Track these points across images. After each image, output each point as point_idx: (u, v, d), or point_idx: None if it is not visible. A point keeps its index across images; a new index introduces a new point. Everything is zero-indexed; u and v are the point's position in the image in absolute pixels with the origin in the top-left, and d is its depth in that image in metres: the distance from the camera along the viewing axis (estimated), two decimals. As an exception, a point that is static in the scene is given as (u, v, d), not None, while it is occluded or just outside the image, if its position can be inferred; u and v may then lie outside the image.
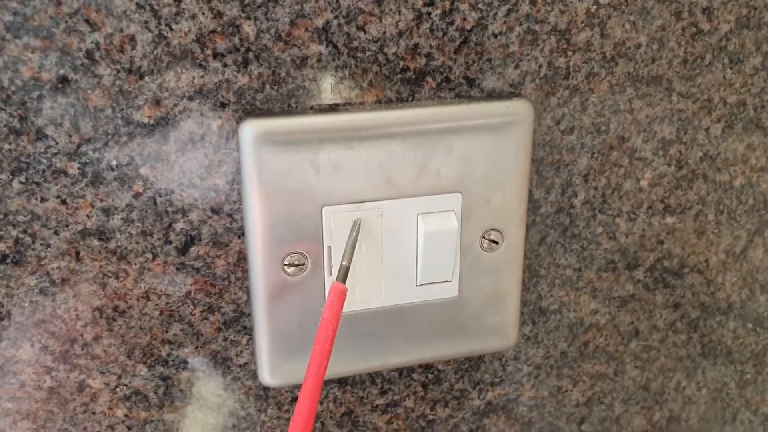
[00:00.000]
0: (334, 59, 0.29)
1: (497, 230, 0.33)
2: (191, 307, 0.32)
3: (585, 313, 0.37)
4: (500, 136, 0.31)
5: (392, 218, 0.31)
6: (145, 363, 0.32)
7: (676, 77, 0.34)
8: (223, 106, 0.29)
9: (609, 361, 0.39)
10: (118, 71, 0.27)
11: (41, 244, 0.29)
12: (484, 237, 0.33)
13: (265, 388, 0.34)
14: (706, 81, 0.34)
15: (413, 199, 0.31)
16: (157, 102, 0.28)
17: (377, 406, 0.36)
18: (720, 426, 0.43)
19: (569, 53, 0.32)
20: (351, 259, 0.30)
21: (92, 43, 0.27)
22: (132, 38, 0.27)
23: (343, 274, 0.30)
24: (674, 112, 0.34)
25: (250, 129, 0.29)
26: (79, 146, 0.28)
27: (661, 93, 0.34)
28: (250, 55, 0.28)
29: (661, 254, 0.37)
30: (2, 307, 0.30)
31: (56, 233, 0.29)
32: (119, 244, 0.30)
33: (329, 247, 0.31)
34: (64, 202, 0.29)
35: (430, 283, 0.33)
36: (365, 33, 0.29)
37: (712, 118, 0.35)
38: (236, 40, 0.28)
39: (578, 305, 0.37)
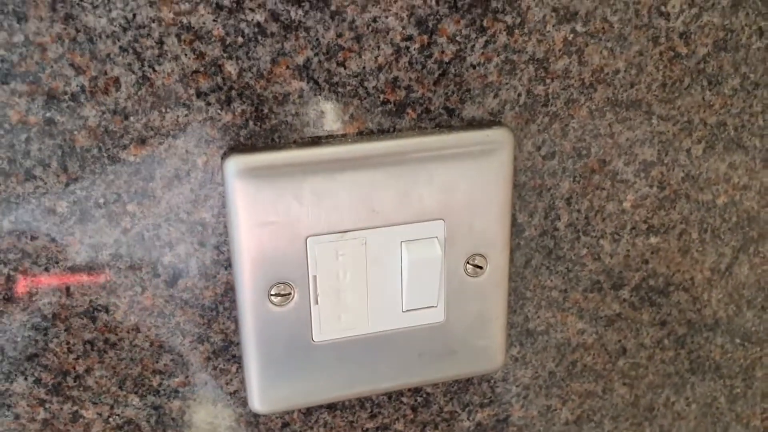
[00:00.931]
0: (315, 94, 0.30)
1: (481, 255, 0.33)
2: (180, 337, 0.32)
3: (572, 333, 0.38)
4: (481, 163, 0.32)
5: (376, 246, 0.32)
6: (136, 393, 0.33)
7: (656, 100, 0.34)
8: (207, 143, 0.29)
9: (597, 380, 0.39)
10: (104, 112, 0.28)
11: (32, 281, 0.30)
12: (468, 262, 0.33)
13: (256, 415, 0.35)
14: (686, 103, 0.35)
15: (397, 228, 0.32)
16: (143, 141, 0.29)
17: (367, 429, 0.36)
18: (711, 440, 0.43)
19: (548, 81, 0.32)
20: None
21: (77, 86, 0.27)
22: (116, 80, 0.28)
23: None
24: (655, 135, 0.35)
25: (235, 164, 0.29)
26: (67, 185, 0.29)
27: (641, 116, 0.34)
28: (233, 93, 0.29)
29: (646, 273, 0.37)
30: (-4, 342, 0.30)
31: (46, 270, 0.30)
32: (108, 278, 0.30)
33: (314, 277, 0.31)
34: (53, 240, 0.29)
35: (415, 309, 0.33)
36: (345, 68, 0.30)
37: (692, 139, 0.35)
38: (219, 79, 0.28)
39: (565, 325, 0.37)
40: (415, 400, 0.37)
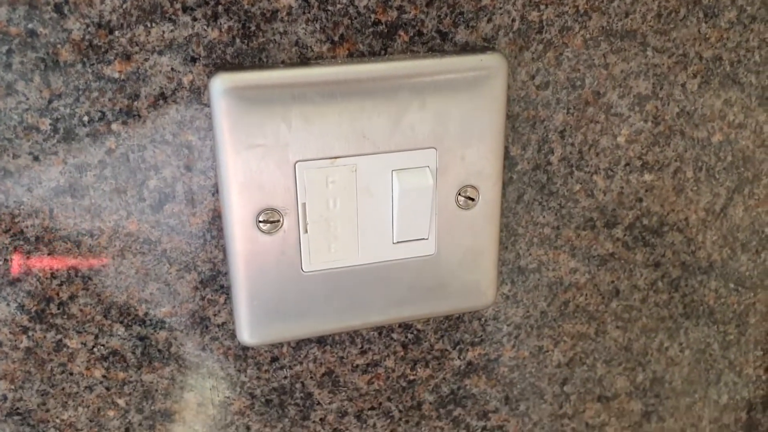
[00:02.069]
0: (304, 12, 0.29)
1: (473, 187, 0.33)
2: (167, 265, 0.32)
3: (564, 272, 0.37)
4: (474, 90, 0.31)
5: (367, 174, 0.31)
6: (122, 323, 0.32)
7: (651, 31, 0.33)
8: (193, 60, 0.29)
9: (590, 321, 0.39)
10: (88, 25, 0.27)
11: (14, 202, 0.29)
12: (459, 194, 0.33)
13: (244, 348, 0.34)
14: (681, 35, 0.34)
15: (388, 155, 0.31)
16: (128, 57, 0.28)
17: (357, 366, 0.36)
18: (704, 387, 0.43)
19: (542, 7, 0.32)
20: None
21: (59, -4, 0.27)
22: (99, -9, 0.27)
23: None
24: (650, 67, 0.34)
25: (221, 83, 0.29)
26: (50, 102, 0.28)
27: (635, 48, 0.34)
28: (220, 8, 0.28)
29: (640, 212, 0.37)
30: (-23, 266, 0.30)
31: (29, 190, 0.29)
32: (93, 201, 0.30)
33: (303, 204, 0.31)
34: (36, 158, 0.29)
35: (406, 241, 0.33)
36: (335, -14, 0.29)
37: (688, 74, 0.35)
38: (205, -8, 0.28)
39: (557, 264, 0.37)
40: (406, 337, 0.36)
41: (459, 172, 0.32)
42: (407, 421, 0.38)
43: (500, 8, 0.31)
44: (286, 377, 0.35)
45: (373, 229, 0.32)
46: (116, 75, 0.28)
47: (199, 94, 0.29)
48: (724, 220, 0.39)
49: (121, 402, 0.34)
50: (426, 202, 0.32)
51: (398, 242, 0.33)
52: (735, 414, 0.45)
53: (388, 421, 0.38)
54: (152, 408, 0.34)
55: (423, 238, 0.33)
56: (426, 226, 0.33)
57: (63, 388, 0.33)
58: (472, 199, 0.33)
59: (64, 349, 0.32)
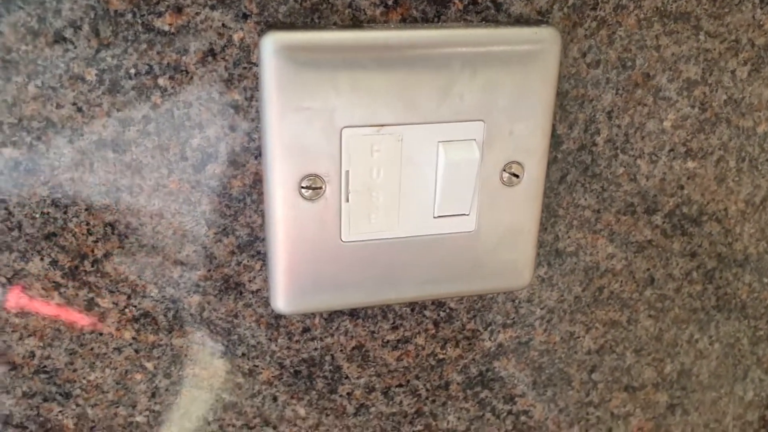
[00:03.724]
0: (360, -26, 0.28)
1: (518, 163, 0.32)
2: (205, 228, 0.31)
3: (601, 257, 0.37)
4: (526, 64, 0.31)
5: (412, 144, 0.31)
6: (155, 284, 0.31)
7: (705, 15, 0.33)
8: (245, 17, 0.28)
9: (623, 309, 0.38)
10: (140, -26, 0.27)
11: (55, 153, 0.28)
12: (504, 170, 0.32)
13: (277, 317, 0.34)
14: (735, 20, 0.33)
15: (435, 126, 0.31)
16: (179, 9, 0.27)
17: (388, 341, 0.36)
18: (730, 382, 0.43)
19: (599, -18, 0.31)
20: None
21: (115, -58, 0.26)
22: (155, -61, 0.26)
23: None
24: (701, 52, 0.34)
25: (272, 42, 0.28)
26: (97, 51, 0.27)
27: (688, 31, 0.33)
28: (275, -36, 0.28)
29: (680, 200, 0.36)
30: (13, 217, 0.29)
31: (71, 142, 0.28)
32: (134, 157, 0.29)
33: (347, 172, 0.30)
34: (80, 109, 0.28)
35: (447, 216, 0.32)
36: (393, -52, 0.28)
37: (738, 60, 0.34)
38: (262, -53, 0.27)
39: (595, 248, 0.36)
40: (438, 315, 0.36)
41: (505, 148, 0.32)
42: (434, 401, 0.38)
43: (557, -19, 0.30)
44: (316, 349, 0.35)
45: (415, 201, 0.32)
46: (166, 27, 0.28)
47: (248, 53, 0.29)
48: (763, 213, 0.38)
49: (149, 365, 0.33)
50: (471, 177, 0.31)
51: (439, 216, 0.32)
52: (759, 411, 0.44)
53: (415, 399, 0.37)
54: (180, 373, 0.34)
55: (464, 214, 0.32)
56: (468, 202, 0.32)
57: (92, 349, 0.32)
58: (517, 176, 0.32)
59: (95, 308, 0.31)
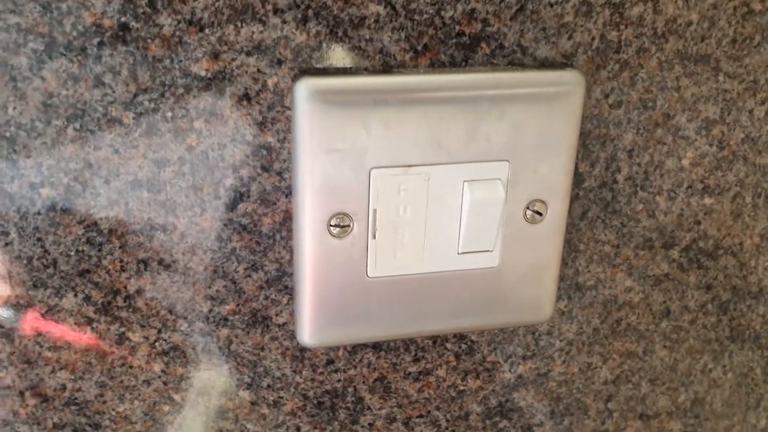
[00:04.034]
0: (391, 20, 0.29)
1: (542, 201, 0.33)
2: (236, 263, 0.32)
3: (620, 291, 0.37)
4: (551, 105, 0.31)
5: (439, 183, 0.31)
6: (185, 318, 0.32)
7: (724, 57, 0.34)
8: (279, 63, 0.29)
9: (639, 340, 0.39)
10: (179, 22, 0.27)
11: (91, 193, 0.29)
12: (528, 207, 0.33)
13: (302, 350, 0.34)
14: (754, 62, 0.34)
15: (461, 165, 0.31)
16: (216, 55, 0.28)
17: (410, 373, 0.36)
18: (743, 411, 0.43)
19: (622, 27, 0.32)
20: None
21: (155, -9, 0.27)
22: (195, -12, 0.27)
23: None
24: (720, 92, 0.34)
25: (305, 87, 0.29)
26: (135, 96, 0.28)
27: (708, 72, 0.34)
28: (310, 12, 0.28)
29: (697, 235, 0.37)
30: (48, 254, 0.30)
31: (107, 182, 0.29)
32: (168, 196, 0.30)
33: (374, 210, 0.31)
34: (116, 151, 0.29)
35: (471, 252, 0.33)
36: (424, -5, 0.29)
37: (756, 100, 0.35)
38: (297, -5, 0.28)
39: (614, 282, 0.37)
40: (459, 347, 0.36)
41: (530, 186, 0.32)
42: (453, 431, 0.38)
43: (581, 26, 0.31)
44: (339, 380, 0.35)
45: (440, 238, 0.32)
46: (203, 73, 0.28)
47: (282, 97, 0.29)
48: (778, 246, 0.39)
49: (176, 397, 0.34)
50: (495, 215, 0.32)
51: (463, 252, 0.33)
52: (770, 439, 0.45)
53: (435, 429, 0.38)
54: (207, 404, 0.34)
55: (488, 250, 0.33)
56: (493, 239, 0.33)
57: (121, 381, 0.33)
58: (540, 214, 0.33)
59: (126, 342, 0.32)
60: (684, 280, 0.38)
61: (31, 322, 0.30)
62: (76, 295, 0.31)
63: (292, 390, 0.35)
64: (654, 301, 0.38)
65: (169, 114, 0.28)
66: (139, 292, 0.31)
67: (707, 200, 0.37)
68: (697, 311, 0.39)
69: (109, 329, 0.31)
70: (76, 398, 0.32)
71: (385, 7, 0.29)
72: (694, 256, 0.38)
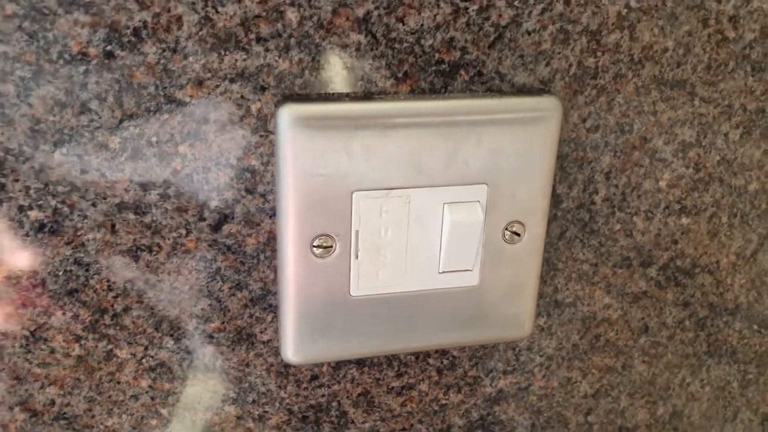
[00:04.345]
0: (372, 49, 0.30)
1: (520, 223, 0.34)
2: (220, 283, 0.32)
3: (598, 308, 0.38)
4: (529, 130, 0.32)
5: (419, 206, 0.32)
6: (172, 336, 0.33)
7: (700, 82, 0.34)
8: (263, 89, 0.29)
9: (618, 355, 0.40)
10: (164, 50, 0.28)
11: (78, 215, 0.30)
12: (506, 229, 0.34)
13: (286, 366, 0.35)
14: (728, 87, 0.35)
15: (441, 189, 0.32)
16: (200, 82, 0.29)
17: (393, 388, 0.37)
18: (720, 424, 0.44)
19: (599, 54, 0.32)
20: None
21: (140, 21, 0.27)
22: (179, 18, 0.28)
23: None
24: (695, 116, 0.35)
25: (288, 113, 0.29)
26: (121, 121, 0.29)
27: (684, 97, 0.34)
28: (292, 41, 0.29)
29: (674, 253, 0.38)
30: (37, 274, 0.30)
31: (94, 205, 0.30)
32: (154, 218, 0.30)
33: (357, 231, 0.32)
34: (103, 175, 0.29)
35: (451, 271, 0.34)
36: (404, 24, 0.30)
37: (731, 124, 0.36)
38: (279, 25, 0.29)
39: (592, 299, 0.38)
40: (441, 363, 0.37)
41: (508, 208, 0.33)
42: (435, 443, 0.39)
43: (559, 53, 0.32)
44: (323, 395, 0.36)
45: (421, 257, 0.33)
46: (187, 99, 0.29)
47: (265, 122, 0.30)
48: (754, 264, 0.40)
49: (164, 412, 0.34)
50: (474, 236, 0.33)
51: (444, 272, 0.34)
52: (748, 450, 0.46)
53: (417, 441, 0.39)
54: (193, 419, 0.35)
55: (468, 270, 0.34)
56: (472, 259, 0.33)
57: (110, 396, 0.33)
58: (518, 235, 0.34)
59: (114, 359, 0.33)
60: (662, 297, 0.39)
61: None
62: (64, 314, 0.31)
63: (277, 405, 0.36)
64: (632, 317, 0.39)
65: (154, 139, 0.29)
66: (126, 310, 0.32)
67: (684, 220, 0.37)
68: (675, 327, 0.40)
69: (97, 346, 0.32)
70: (65, 413, 0.33)
71: (366, 36, 0.30)
72: (671, 274, 0.39)
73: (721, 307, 0.41)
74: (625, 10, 0.32)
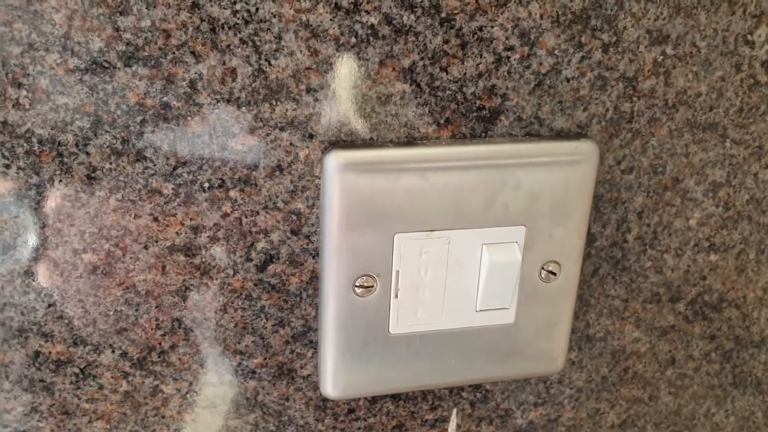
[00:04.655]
0: (416, 97, 0.31)
1: (556, 262, 0.34)
2: (264, 320, 0.33)
3: (628, 341, 0.39)
4: (566, 173, 0.33)
5: (458, 246, 0.33)
6: (216, 371, 0.34)
7: (731, 125, 0.35)
8: (311, 137, 0.30)
9: (645, 387, 0.41)
10: (218, 101, 0.29)
11: (130, 258, 0.31)
12: (543, 268, 0.34)
13: (324, 400, 0.36)
14: (759, 129, 0.36)
15: (480, 230, 0.33)
16: (252, 131, 0.30)
17: (426, 420, 0.38)
18: (743, 452, 0.45)
19: (635, 99, 0.33)
20: None
21: (196, 73, 0.28)
22: (233, 71, 0.28)
23: None
24: (726, 157, 0.36)
25: (335, 159, 0.30)
26: (174, 168, 0.30)
27: (715, 139, 0.35)
28: (341, 91, 0.30)
29: (702, 289, 0.39)
30: (89, 314, 0.31)
31: (145, 248, 0.31)
32: (203, 260, 0.31)
33: (398, 272, 0.33)
34: (156, 219, 0.30)
35: (488, 310, 0.35)
36: (447, 74, 0.31)
37: (761, 164, 0.37)
38: (329, 76, 0.29)
39: (622, 334, 0.39)
40: (475, 396, 0.38)
41: (544, 248, 0.34)
42: (467, 473, 0.40)
43: (596, 99, 0.33)
44: (360, 428, 0.37)
45: (459, 296, 0.34)
46: (239, 147, 0.30)
47: (312, 167, 0.31)
48: (780, 298, 0.41)
49: (206, 444, 0.35)
50: (512, 276, 0.34)
51: (481, 310, 0.34)
52: (770, 477, 0.47)
53: (449, 471, 0.40)
54: (234, 451, 0.36)
55: (504, 308, 0.35)
56: (509, 298, 0.34)
57: (154, 430, 0.34)
58: (554, 274, 0.35)
59: (160, 395, 0.33)
60: (689, 330, 0.40)
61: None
62: (113, 352, 0.32)
63: (315, 437, 0.37)
64: (660, 350, 0.40)
65: (206, 184, 0.30)
66: (173, 347, 0.33)
67: (713, 257, 0.38)
68: (701, 359, 0.41)
69: (143, 382, 0.33)
70: (110, 446, 0.34)
71: (411, 85, 0.30)
72: (699, 309, 0.39)
73: (747, 339, 0.41)
74: (661, 57, 0.33)
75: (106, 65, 0.27)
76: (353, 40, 0.29)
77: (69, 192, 0.29)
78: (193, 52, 0.28)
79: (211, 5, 0.27)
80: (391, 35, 0.29)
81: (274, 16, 0.28)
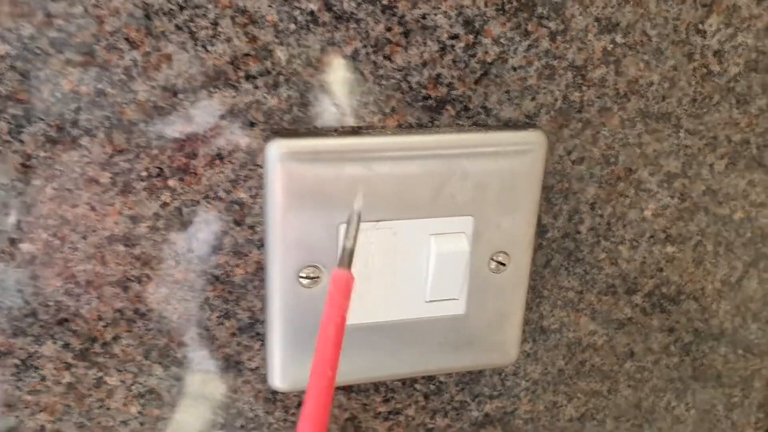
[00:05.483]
0: (359, 85, 0.30)
1: (505, 253, 0.34)
2: (209, 312, 0.33)
3: (583, 334, 0.39)
4: (514, 163, 0.32)
5: (406, 237, 0.33)
6: (161, 363, 0.33)
7: (685, 115, 0.35)
8: (252, 125, 0.30)
9: (603, 380, 0.40)
10: (153, 87, 0.28)
11: (69, 248, 0.30)
12: (492, 258, 0.34)
13: (274, 392, 0.35)
14: (713, 119, 0.35)
15: (427, 220, 0.33)
16: (189, 119, 0.29)
17: (380, 413, 0.37)
18: (705, 445, 0.45)
19: (584, 88, 0.33)
20: (354, 240, 0.27)
21: (130, 60, 0.28)
22: (169, 57, 0.28)
23: (348, 259, 0.26)
24: (681, 148, 0.36)
25: (277, 148, 0.30)
26: (111, 156, 0.29)
27: (669, 129, 0.35)
28: (281, 78, 0.29)
29: (659, 281, 0.39)
30: (29, 305, 0.31)
31: (84, 238, 0.30)
32: (144, 250, 0.31)
33: (344, 263, 0.32)
34: (93, 208, 0.30)
35: (438, 300, 0.34)
36: (391, 62, 0.30)
37: (716, 155, 0.36)
38: (268, 63, 0.29)
39: (578, 326, 0.38)
40: (428, 388, 0.38)
41: (493, 239, 0.34)
42: (422, 466, 0.40)
43: (544, 88, 0.32)
44: (311, 420, 0.37)
45: (408, 287, 0.34)
46: (177, 135, 0.29)
47: (254, 156, 0.30)
48: (739, 291, 0.40)
49: (153, 437, 0.35)
50: (460, 266, 0.33)
51: (430, 301, 0.34)
52: (733, 471, 0.46)
53: (404, 464, 0.39)
54: (182, 444, 0.35)
55: (454, 299, 0.34)
56: (458, 288, 0.34)
57: (99, 422, 0.34)
58: (504, 264, 0.34)
59: (104, 386, 0.33)
60: (647, 323, 0.40)
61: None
62: (55, 343, 0.32)
63: (265, 430, 0.36)
64: (618, 343, 0.40)
65: (144, 173, 0.30)
66: (116, 339, 0.32)
67: (669, 248, 0.38)
68: (660, 352, 0.41)
69: (87, 374, 0.33)
70: (55, 438, 0.34)
71: (354, 73, 0.30)
72: (656, 301, 0.39)
73: (706, 332, 0.41)
74: (611, 46, 0.32)
75: (38, 52, 0.27)
76: (292, 26, 0.29)
77: (4, 181, 0.29)
78: (127, 39, 0.27)
79: (145, -10, 0.27)
80: (332, 22, 0.29)
81: (210, 2, 0.28)
